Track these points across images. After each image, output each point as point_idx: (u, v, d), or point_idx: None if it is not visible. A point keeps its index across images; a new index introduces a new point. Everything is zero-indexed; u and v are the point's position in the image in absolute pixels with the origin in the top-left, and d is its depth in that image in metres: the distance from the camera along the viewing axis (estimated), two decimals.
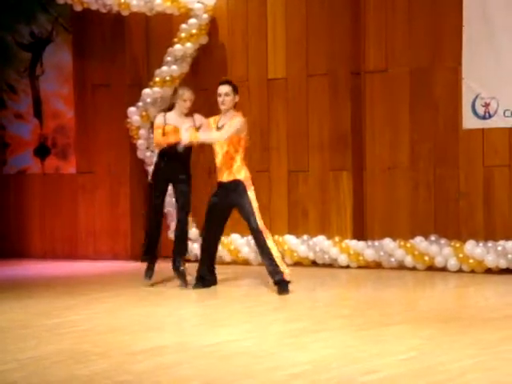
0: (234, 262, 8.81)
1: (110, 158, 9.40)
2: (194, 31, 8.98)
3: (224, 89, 6.72)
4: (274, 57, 8.82)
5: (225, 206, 6.82)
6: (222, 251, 8.86)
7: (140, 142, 9.20)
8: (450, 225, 8.02)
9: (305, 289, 7.32)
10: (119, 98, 9.29)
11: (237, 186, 6.68)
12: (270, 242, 6.62)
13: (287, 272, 6.64)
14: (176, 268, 7.21)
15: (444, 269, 7.80)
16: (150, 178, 7.29)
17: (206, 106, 8.89)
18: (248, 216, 6.64)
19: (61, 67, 9.68)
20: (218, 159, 6.78)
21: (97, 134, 9.47)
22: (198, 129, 6.97)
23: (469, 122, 7.90)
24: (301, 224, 8.66)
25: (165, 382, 3.96)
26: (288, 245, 8.55)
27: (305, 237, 8.53)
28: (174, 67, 9.02)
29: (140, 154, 9.25)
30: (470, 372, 4.00)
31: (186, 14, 9.03)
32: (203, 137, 6.75)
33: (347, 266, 8.25)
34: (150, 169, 9.22)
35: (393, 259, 8.05)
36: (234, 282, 8.00)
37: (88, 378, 4.04)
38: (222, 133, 6.66)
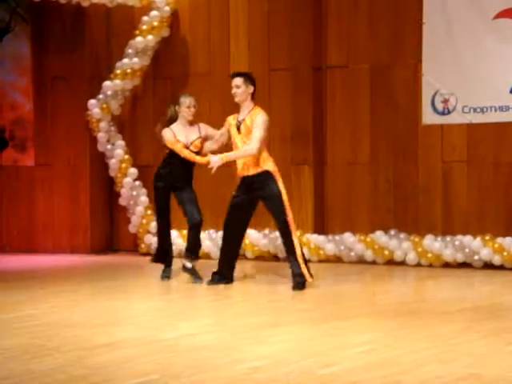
0: None
1: (69, 150, 9.29)
2: (155, 23, 8.92)
3: (234, 81, 6.57)
4: (237, 51, 8.80)
5: (251, 200, 6.57)
6: (183, 245, 8.83)
7: (100, 135, 9.11)
8: (409, 219, 8.11)
9: (265, 283, 7.33)
10: (79, 91, 9.18)
11: (265, 177, 6.46)
12: (295, 239, 6.45)
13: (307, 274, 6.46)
14: (184, 266, 7.02)
15: (403, 263, 7.89)
16: (155, 181, 7.02)
17: (170, 95, 8.88)
18: (277, 208, 6.42)
19: (19, 58, 9.51)
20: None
21: (56, 126, 9.34)
22: (204, 139, 6.87)
23: (428, 117, 7.99)
24: (262, 217, 8.66)
25: (123, 376, 3.93)
26: (249, 239, 8.54)
27: (266, 231, 8.54)
28: (136, 59, 8.95)
29: (100, 147, 9.16)
30: (425, 364, 4.06)
31: (148, 6, 8.96)
32: (235, 155, 6.51)
33: (308, 260, 8.28)
34: (111, 162, 9.17)
35: (353, 253, 8.11)
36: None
37: (44, 372, 3.99)
38: (252, 145, 6.40)
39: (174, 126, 6.92)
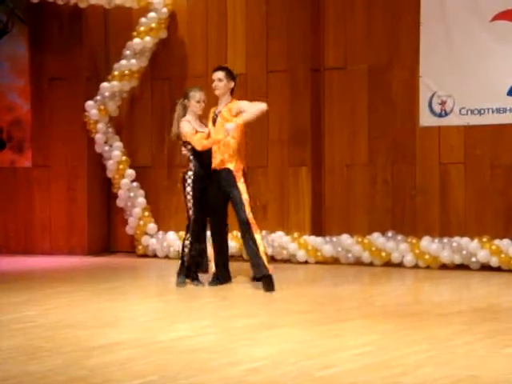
0: None
1: (67, 152, 9.28)
2: (153, 25, 8.92)
3: (217, 74, 6.68)
4: (234, 52, 8.80)
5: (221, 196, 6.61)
6: (181, 247, 8.82)
7: (98, 136, 9.10)
8: (406, 221, 8.11)
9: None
10: (77, 92, 9.17)
11: (227, 175, 6.51)
12: (257, 237, 6.48)
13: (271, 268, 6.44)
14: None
15: (400, 264, 7.89)
16: (188, 189, 6.64)
17: (167, 96, 8.90)
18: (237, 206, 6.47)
19: (16, 59, 9.50)
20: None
21: (54, 127, 9.33)
22: (208, 137, 6.66)
23: (425, 119, 8.00)
24: (259, 219, 8.64)
25: (120, 378, 3.92)
26: None
27: (263, 232, 8.53)
28: (133, 61, 8.95)
29: (98, 149, 9.15)
30: (423, 366, 4.06)
31: (146, 8, 8.96)
32: (247, 116, 6.55)
33: (305, 262, 8.29)
34: (109, 163, 9.16)
35: (350, 255, 8.11)
36: None
37: (42, 374, 3.98)
38: (259, 103, 6.64)
39: (187, 118, 6.71)
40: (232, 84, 6.73)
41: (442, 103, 7.85)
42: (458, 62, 7.79)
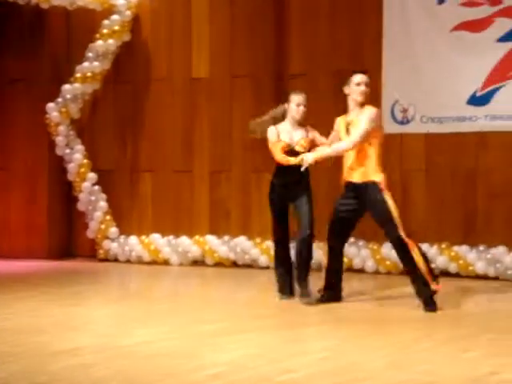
0: (154, 262, 8.74)
1: (27, 154, 9.16)
2: (116, 28, 8.86)
3: (364, 78, 6.04)
4: (198, 56, 8.79)
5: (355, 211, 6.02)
6: (143, 252, 8.79)
7: (59, 139, 9.01)
8: (367, 227, 8.15)
9: (225, 289, 7.33)
10: (38, 94, 9.06)
11: (371, 189, 5.89)
12: (415, 255, 5.78)
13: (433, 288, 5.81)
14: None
15: (362, 270, 7.96)
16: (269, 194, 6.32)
17: (130, 99, 8.85)
18: (384, 223, 5.85)
19: None
20: (349, 157, 5.99)
21: (14, 129, 9.20)
22: (312, 141, 6.29)
23: (388, 126, 8.05)
24: (222, 224, 8.67)
25: (83, 383, 3.89)
26: (209, 245, 8.54)
27: (226, 237, 8.54)
28: (96, 63, 8.88)
29: (59, 151, 9.05)
30: (383, 371, 4.10)
31: (109, 10, 8.90)
32: (329, 151, 6.00)
33: (267, 267, 8.31)
34: (70, 166, 9.06)
35: (312, 261, 8.13)
36: (154, 283, 7.94)
37: (4, 379, 3.93)
38: (350, 138, 5.89)
39: (280, 125, 6.37)
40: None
41: (404, 111, 7.95)
42: (419, 70, 7.90)
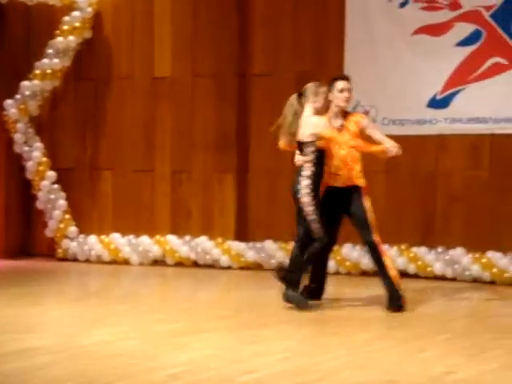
0: (114, 262, 8.65)
1: None
2: (77, 24, 8.75)
3: (348, 84, 5.95)
4: (160, 55, 8.73)
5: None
6: (102, 251, 8.70)
7: (17, 136, 8.86)
8: None
9: (185, 289, 7.29)
10: None
11: (355, 193, 5.94)
12: (386, 259, 5.97)
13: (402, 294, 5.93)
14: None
15: None
16: (305, 199, 5.74)
17: (91, 97, 8.75)
18: (361, 227, 5.97)
19: None
20: (335, 162, 5.91)
21: None
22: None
23: None
24: (183, 224, 8.62)
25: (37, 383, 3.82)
26: (170, 245, 8.49)
27: (187, 237, 8.49)
28: (56, 60, 8.76)
29: (17, 149, 8.90)
30: (342, 371, 4.11)
31: (70, 6, 8.79)
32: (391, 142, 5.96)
33: (229, 267, 8.29)
34: (28, 164, 8.93)
35: (273, 261, 8.15)
36: (114, 282, 7.86)
37: None
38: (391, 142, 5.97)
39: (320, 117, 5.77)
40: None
41: (365, 113, 8.00)
42: (380, 72, 7.97)
